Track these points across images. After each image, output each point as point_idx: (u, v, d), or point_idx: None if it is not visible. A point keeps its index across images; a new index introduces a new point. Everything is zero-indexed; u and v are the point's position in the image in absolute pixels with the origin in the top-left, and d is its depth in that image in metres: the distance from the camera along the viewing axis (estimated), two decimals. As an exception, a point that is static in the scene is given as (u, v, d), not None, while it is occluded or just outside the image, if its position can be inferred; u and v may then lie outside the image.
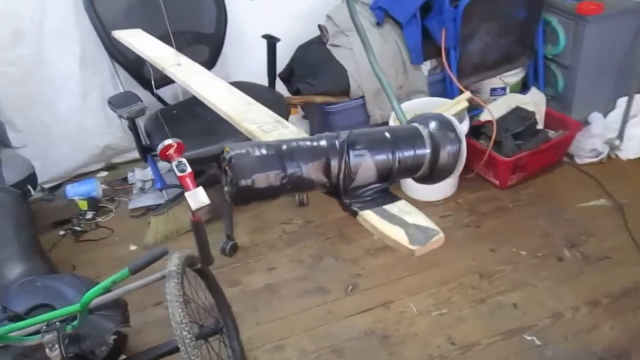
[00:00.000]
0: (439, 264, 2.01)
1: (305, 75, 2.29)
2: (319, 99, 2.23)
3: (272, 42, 2.16)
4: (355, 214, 0.67)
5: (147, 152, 2.11)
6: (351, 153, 0.64)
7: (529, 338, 1.70)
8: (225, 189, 0.63)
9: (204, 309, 1.60)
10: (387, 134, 0.67)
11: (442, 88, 2.48)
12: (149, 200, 2.52)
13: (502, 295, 1.85)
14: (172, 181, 2.44)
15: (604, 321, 1.71)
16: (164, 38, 2.15)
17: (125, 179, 2.67)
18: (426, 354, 1.69)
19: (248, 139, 1.83)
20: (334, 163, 0.64)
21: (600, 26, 2.29)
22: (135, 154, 2.76)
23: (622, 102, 2.45)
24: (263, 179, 0.61)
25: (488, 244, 2.07)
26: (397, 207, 0.66)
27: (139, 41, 1.40)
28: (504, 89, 2.60)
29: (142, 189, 2.60)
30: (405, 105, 2.34)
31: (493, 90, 2.61)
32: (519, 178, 2.33)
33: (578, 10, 2.27)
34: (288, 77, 2.42)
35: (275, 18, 2.49)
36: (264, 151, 0.62)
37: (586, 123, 2.49)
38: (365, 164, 0.65)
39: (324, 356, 1.73)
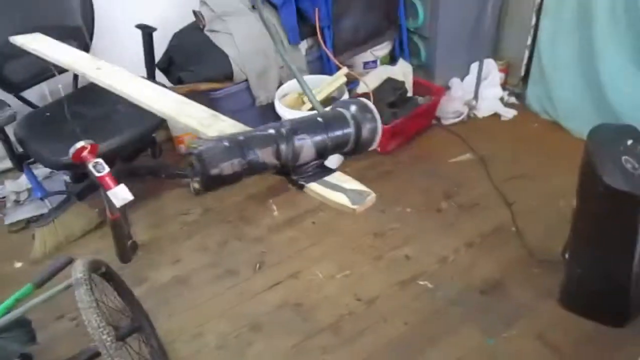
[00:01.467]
0: (337, 230, 2.16)
1: (186, 63, 2.27)
2: (204, 86, 2.23)
3: (147, 31, 2.10)
4: (302, 187, 0.78)
5: (22, 161, 1.96)
6: (294, 138, 0.76)
7: (422, 283, 1.92)
8: (195, 179, 0.70)
9: (117, 310, 1.58)
10: (319, 119, 0.80)
11: (320, 66, 2.60)
12: (27, 212, 2.34)
13: (395, 250, 2.06)
14: (52, 188, 2.30)
15: (479, 258, 1.99)
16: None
17: (-7, 193, 2.45)
18: (337, 313, 1.84)
19: (136, 137, 1.84)
20: (283, 147, 0.75)
21: (453, 0, 2.56)
22: (3, 165, 2.54)
23: (474, 66, 2.77)
24: (229, 167, 0.70)
25: (378, 205, 2.22)
26: (335, 178, 0.79)
27: (45, 46, 1.29)
28: (375, 62, 2.80)
29: (16, 201, 2.41)
30: (288, 84, 2.44)
31: (365, 63, 2.80)
32: (397, 143, 2.55)
33: (432, -14, 2.51)
34: (167, 66, 2.37)
35: (145, 6, 2.42)
36: (226, 143, 0.71)
37: (447, 88, 2.79)
38: (307, 146, 0.77)
39: (243, 334, 1.80)
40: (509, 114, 2.71)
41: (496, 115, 2.73)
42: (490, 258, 1.98)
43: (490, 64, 2.77)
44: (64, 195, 2.19)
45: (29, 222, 2.30)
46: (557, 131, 2.57)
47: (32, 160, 1.99)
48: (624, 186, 1.29)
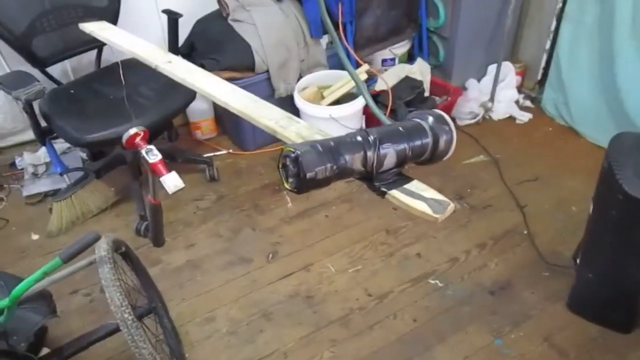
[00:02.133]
0: (350, 225, 2.19)
1: (209, 51, 2.28)
2: (225, 75, 2.23)
3: (173, 17, 2.11)
4: (384, 193, 0.81)
5: (45, 135, 1.99)
6: (381, 146, 0.79)
7: (432, 282, 1.95)
8: (290, 180, 0.75)
9: (134, 290, 1.60)
10: (401, 129, 0.84)
11: (340, 61, 2.60)
12: (45, 185, 2.38)
13: (407, 248, 2.08)
14: (69, 163, 2.32)
15: (490, 259, 2.01)
16: (51, 12, 2.04)
17: (13, 164, 2.47)
18: (347, 307, 1.86)
19: (157, 120, 1.85)
20: (369, 154, 0.79)
21: (473, 1, 2.57)
22: (22, 137, 2.57)
23: (492, 68, 2.78)
24: (322, 171, 0.74)
25: (391, 203, 2.27)
26: (414, 186, 0.82)
27: (114, 35, 1.30)
28: (393, 59, 2.81)
29: (34, 174, 2.43)
30: (308, 77, 2.46)
31: (384, 61, 2.81)
32: (412, 141, 2.56)
33: (455, -14, 2.52)
34: (189, 52, 2.38)
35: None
36: (320, 148, 0.74)
37: (464, 89, 2.80)
38: (390, 154, 0.81)
39: (254, 322, 1.82)
40: (524, 117, 2.72)
41: (511, 118, 2.74)
42: (500, 260, 2.01)
43: (507, 67, 2.78)
44: (82, 172, 2.21)
45: (45, 196, 2.33)
46: (572, 136, 2.59)
47: (54, 135, 2.01)
48: (644, 195, 1.31)
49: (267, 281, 1.97)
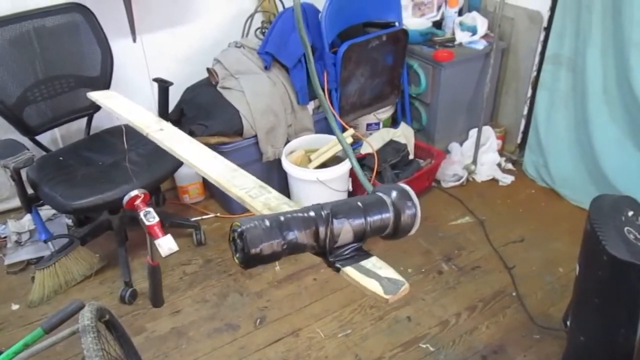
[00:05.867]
0: (339, 288, 2.16)
1: (198, 117, 2.33)
2: (213, 140, 2.28)
3: (164, 85, 2.17)
4: (338, 270, 0.80)
5: (32, 203, 1.98)
6: (334, 221, 0.78)
7: (423, 346, 1.91)
8: (237, 255, 0.74)
9: (118, 361, 1.54)
10: (359, 204, 0.83)
11: (326, 125, 2.68)
12: (27, 253, 2.33)
13: (396, 311, 2.05)
14: (53, 230, 2.30)
15: (481, 322, 1.99)
16: (43, 83, 2.09)
17: (-5, 233, 2.44)
18: (338, 374, 1.82)
19: (145, 185, 1.87)
20: (322, 229, 0.77)
21: (453, 70, 2.70)
22: (6, 205, 2.55)
23: (473, 132, 2.87)
24: (268, 247, 0.73)
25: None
26: (371, 263, 0.80)
27: (116, 104, 1.35)
28: (377, 124, 2.89)
29: (17, 242, 2.39)
30: (295, 141, 2.51)
31: (369, 125, 2.90)
32: (399, 203, 2.59)
33: (434, 57, 2.65)
34: (178, 118, 2.44)
35: (159, 60, 2.52)
36: (267, 224, 0.74)
37: (447, 152, 2.88)
38: (345, 229, 0.79)
39: (241, 392, 1.76)
40: (506, 179, 2.79)
41: (494, 180, 2.80)
42: (491, 322, 1.99)
43: (488, 131, 2.88)
44: (67, 239, 2.18)
45: (28, 264, 2.28)
46: (554, 198, 2.65)
47: (40, 202, 2.00)
48: (629, 257, 1.33)
49: (255, 348, 1.92)
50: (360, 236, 0.81)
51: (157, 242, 1.33)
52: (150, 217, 1.36)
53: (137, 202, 1.40)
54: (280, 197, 0.92)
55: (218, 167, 1.03)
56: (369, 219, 0.81)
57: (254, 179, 0.97)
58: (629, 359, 1.47)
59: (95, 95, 1.41)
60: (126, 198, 1.40)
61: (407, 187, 0.87)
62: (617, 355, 1.52)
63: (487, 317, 2.01)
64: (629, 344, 1.44)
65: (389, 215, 0.83)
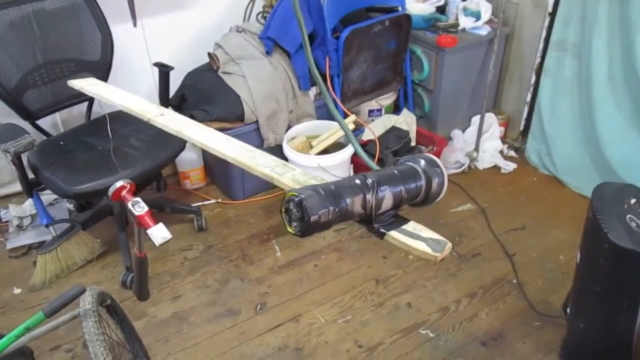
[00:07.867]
0: (339, 274, 2.17)
1: (199, 102, 2.32)
2: (215, 126, 2.27)
3: (164, 70, 2.16)
4: (383, 235, 0.84)
5: (33, 187, 1.97)
6: (378, 189, 0.82)
7: (423, 332, 1.92)
8: (293, 224, 0.76)
9: (119, 344, 1.55)
10: (396, 172, 0.87)
11: (328, 111, 2.67)
12: (29, 238, 2.33)
13: (397, 297, 2.06)
14: (55, 215, 2.30)
15: (481, 309, 2.00)
16: (44, 67, 2.07)
17: (-4, 217, 2.44)
18: (337, 359, 1.82)
19: (146, 171, 1.88)
20: (369, 197, 0.81)
21: (456, 56, 2.67)
22: (7, 190, 2.55)
23: (476, 119, 2.86)
24: (325, 215, 0.75)
25: (380, 252, 2.28)
26: (411, 226, 0.85)
27: (104, 91, 1.32)
28: (379, 110, 2.88)
29: (19, 227, 2.39)
30: (297, 128, 2.50)
31: (370, 111, 2.88)
32: (400, 190, 2.59)
33: (437, 42, 2.62)
34: (179, 103, 2.42)
35: (160, 45, 2.50)
36: (322, 192, 0.76)
37: (449, 139, 2.86)
38: (387, 196, 0.83)
39: (242, 376, 1.77)
40: (508, 166, 2.77)
41: (496, 168, 2.79)
42: (491, 309, 1.99)
43: (490, 118, 2.86)
44: (69, 224, 2.18)
45: (29, 248, 2.29)
46: (556, 186, 2.64)
47: (41, 187, 1.99)
48: (630, 244, 1.33)
49: (255, 333, 1.93)
50: (398, 203, 0.85)
51: (149, 231, 1.30)
52: (138, 207, 1.32)
53: (124, 192, 1.35)
54: (305, 173, 0.93)
55: (233, 147, 1.02)
56: (406, 186, 0.85)
57: (274, 158, 0.98)
58: (628, 346, 1.47)
59: (79, 83, 1.38)
60: (111, 190, 1.34)
61: (434, 156, 0.90)
62: (616, 342, 1.53)
63: (487, 304, 2.01)
64: (628, 331, 1.44)
65: (421, 183, 0.87)
